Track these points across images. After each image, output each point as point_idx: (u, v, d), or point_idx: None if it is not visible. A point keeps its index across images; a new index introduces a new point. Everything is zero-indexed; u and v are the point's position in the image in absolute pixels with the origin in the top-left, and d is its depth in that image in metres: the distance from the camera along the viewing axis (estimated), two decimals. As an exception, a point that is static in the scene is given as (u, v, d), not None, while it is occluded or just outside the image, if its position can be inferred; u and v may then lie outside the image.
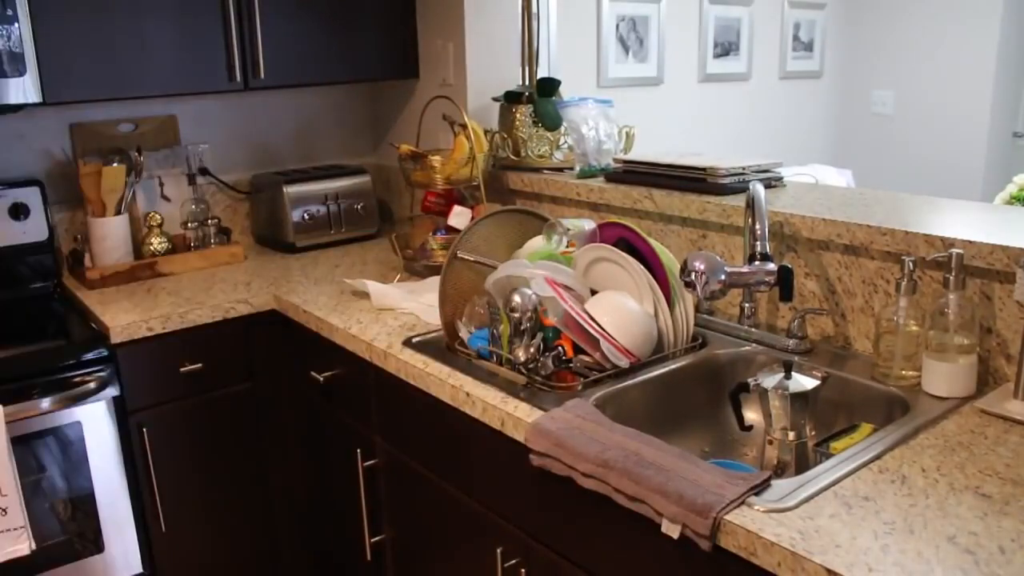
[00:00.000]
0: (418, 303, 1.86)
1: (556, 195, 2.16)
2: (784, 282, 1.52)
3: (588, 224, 1.70)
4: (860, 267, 1.56)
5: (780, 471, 1.33)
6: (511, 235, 1.79)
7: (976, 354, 1.36)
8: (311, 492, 2.17)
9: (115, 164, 2.20)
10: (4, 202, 2.15)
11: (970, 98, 4.23)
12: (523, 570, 1.41)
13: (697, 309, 1.73)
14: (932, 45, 4.34)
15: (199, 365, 1.95)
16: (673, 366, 1.54)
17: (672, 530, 1.07)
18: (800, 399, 1.31)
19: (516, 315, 1.51)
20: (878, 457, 1.16)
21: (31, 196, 2.19)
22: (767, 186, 1.85)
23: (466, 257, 1.69)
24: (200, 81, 2.17)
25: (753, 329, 1.67)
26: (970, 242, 1.37)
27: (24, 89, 1.86)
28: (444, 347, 1.65)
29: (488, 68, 2.46)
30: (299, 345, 2.02)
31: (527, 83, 2.39)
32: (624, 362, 1.49)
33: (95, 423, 1.83)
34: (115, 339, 1.84)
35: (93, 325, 1.94)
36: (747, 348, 1.62)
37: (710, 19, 3.90)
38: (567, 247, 1.72)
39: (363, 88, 2.83)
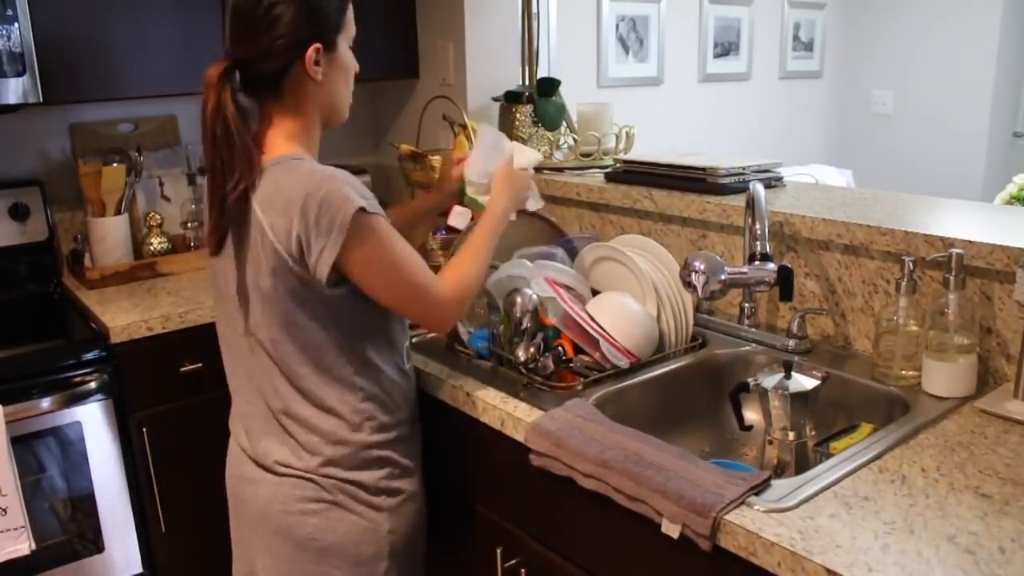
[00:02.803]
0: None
1: (556, 195, 2.16)
2: (784, 282, 1.52)
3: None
4: (860, 267, 1.56)
5: (780, 471, 1.33)
6: (511, 235, 1.79)
7: (976, 354, 1.36)
8: (311, 492, 2.17)
9: (115, 164, 2.20)
10: (4, 202, 2.16)
11: (970, 98, 4.23)
12: (523, 570, 1.41)
13: (697, 309, 1.73)
14: (932, 45, 4.34)
15: (199, 365, 1.94)
16: (673, 366, 1.54)
17: (672, 530, 1.07)
18: (800, 399, 1.31)
19: (516, 315, 1.51)
20: (878, 457, 1.16)
21: (31, 196, 2.19)
22: (767, 186, 1.85)
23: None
24: (200, 81, 2.16)
25: (753, 329, 1.67)
26: (970, 242, 1.37)
27: (24, 89, 1.86)
28: (444, 347, 1.65)
29: (488, 68, 2.46)
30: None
31: (527, 83, 2.39)
32: (624, 362, 1.49)
33: (95, 423, 1.83)
34: (115, 339, 1.84)
35: (93, 325, 1.94)
36: (747, 348, 1.62)
37: (710, 19, 3.90)
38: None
39: (363, 88, 2.83)
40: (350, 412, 1.33)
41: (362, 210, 1.21)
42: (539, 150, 2.27)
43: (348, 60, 1.35)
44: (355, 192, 1.23)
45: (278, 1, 1.24)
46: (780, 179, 1.92)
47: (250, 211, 1.24)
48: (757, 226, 1.55)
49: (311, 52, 1.26)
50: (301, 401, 1.32)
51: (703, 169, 1.84)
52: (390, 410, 1.38)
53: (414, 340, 1.68)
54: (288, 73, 1.27)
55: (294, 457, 1.34)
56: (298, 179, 1.22)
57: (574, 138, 2.31)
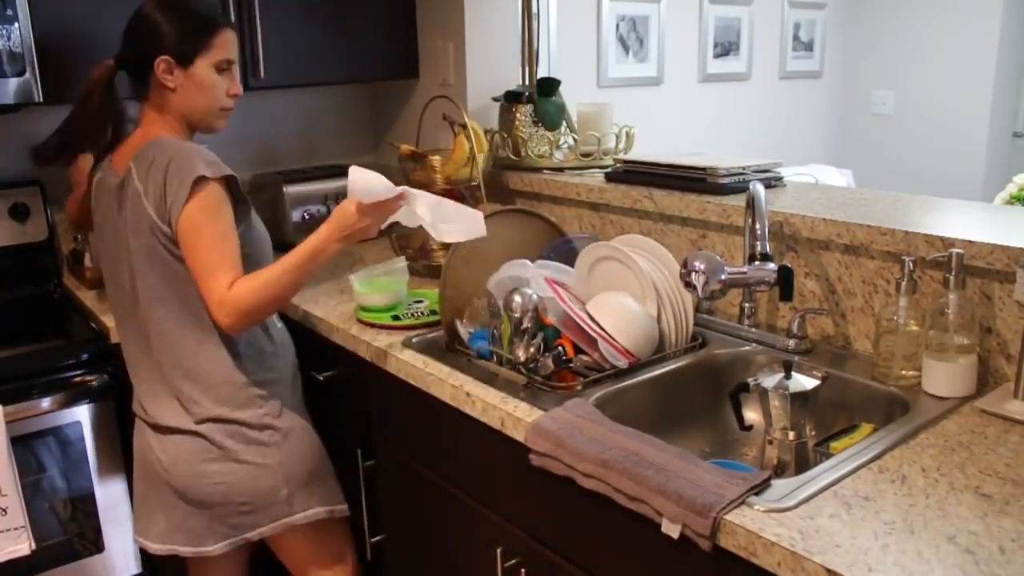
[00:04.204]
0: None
1: (556, 195, 2.16)
2: (784, 282, 1.52)
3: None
4: (860, 267, 1.56)
5: (780, 471, 1.33)
6: (511, 235, 1.79)
7: (976, 354, 1.36)
8: (311, 492, 2.17)
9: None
10: (4, 202, 2.16)
11: (970, 98, 4.23)
12: (523, 570, 1.41)
13: (697, 309, 1.73)
14: (932, 45, 4.34)
15: (199, 365, 1.94)
16: (673, 366, 1.54)
17: (672, 530, 1.07)
18: (800, 399, 1.31)
19: (516, 315, 1.51)
20: (878, 457, 1.16)
21: (31, 196, 2.19)
22: (767, 186, 1.85)
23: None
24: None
25: (753, 329, 1.67)
26: (970, 242, 1.37)
27: (24, 89, 1.86)
28: (444, 347, 1.65)
29: (488, 68, 2.46)
30: (299, 345, 2.01)
31: (527, 83, 2.39)
32: (623, 362, 1.49)
33: (95, 423, 1.83)
34: (115, 339, 1.83)
35: (93, 325, 1.94)
36: (747, 348, 1.62)
37: (710, 19, 3.90)
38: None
39: (363, 88, 2.83)
40: (231, 355, 1.55)
41: (203, 177, 1.44)
42: (537, 150, 2.27)
43: (208, 79, 1.55)
44: (202, 161, 1.46)
45: (144, 16, 1.53)
46: (780, 179, 1.92)
47: (130, 185, 1.49)
48: (757, 226, 1.55)
49: (158, 62, 1.51)
50: (185, 351, 1.53)
51: (703, 169, 1.84)
52: (271, 353, 1.63)
53: (413, 339, 1.68)
54: (148, 77, 1.54)
55: (184, 409, 1.54)
56: (164, 149, 1.49)
57: (574, 138, 2.31)
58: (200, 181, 1.45)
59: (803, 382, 1.32)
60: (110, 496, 1.87)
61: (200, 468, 1.54)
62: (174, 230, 1.46)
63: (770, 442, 1.35)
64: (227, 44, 1.57)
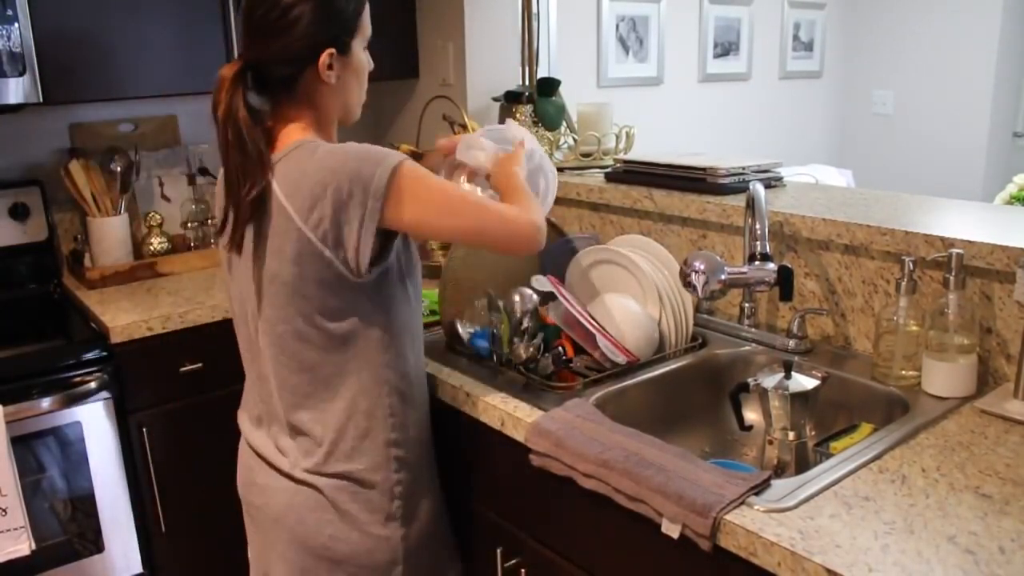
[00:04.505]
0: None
1: (556, 195, 2.15)
2: (784, 282, 1.52)
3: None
4: (860, 267, 1.56)
5: (780, 471, 1.33)
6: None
7: (976, 354, 1.36)
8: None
9: (92, 164, 2.18)
10: (4, 202, 2.16)
11: (970, 98, 4.23)
12: (523, 570, 1.41)
13: (697, 309, 1.73)
14: (932, 45, 4.34)
15: (199, 365, 1.94)
16: (673, 366, 1.54)
17: (672, 530, 1.07)
18: (800, 399, 1.31)
19: (516, 315, 1.51)
20: (878, 457, 1.16)
21: (31, 196, 2.19)
22: (767, 186, 1.85)
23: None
24: (200, 81, 2.17)
25: (753, 329, 1.67)
26: (970, 242, 1.37)
27: (24, 89, 1.86)
28: (444, 347, 1.65)
29: (488, 68, 2.46)
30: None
31: (527, 83, 2.39)
32: (621, 359, 1.49)
33: (95, 423, 1.83)
34: (115, 339, 1.84)
35: (93, 325, 1.94)
36: (747, 348, 1.62)
37: (710, 19, 3.90)
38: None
39: (363, 88, 2.83)
40: (373, 405, 1.30)
41: (394, 170, 1.20)
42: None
43: (362, 62, 1.33)
44: (380, 153, 1.21)
45: (294, 4, 1.22)
46: (780, 179, 1.92)
47: (270, 201, 1.23)
48: (757, 226, 1.55)
49: (324, 57, 1.25)
50: (318, 396, 1.29)
51: (703, 169, 1.84)
52: (414, 406, 1.36)
53: (414, 340, 1.67)
54: (302, 76, 1.26)
55: (306, 456, 1.31)
56: (322, 158, 1.21)
57: (574, 138, 2.31)
58: (394, 175, 1.19)
59: (803, 382, 1.32)
60: (110, 496, 1.87)
61: (317, 517, 1.30)
62: (364, 244, 1.20)
63: (770, 442, 1.35)
64: (368, 15, 1.33)
